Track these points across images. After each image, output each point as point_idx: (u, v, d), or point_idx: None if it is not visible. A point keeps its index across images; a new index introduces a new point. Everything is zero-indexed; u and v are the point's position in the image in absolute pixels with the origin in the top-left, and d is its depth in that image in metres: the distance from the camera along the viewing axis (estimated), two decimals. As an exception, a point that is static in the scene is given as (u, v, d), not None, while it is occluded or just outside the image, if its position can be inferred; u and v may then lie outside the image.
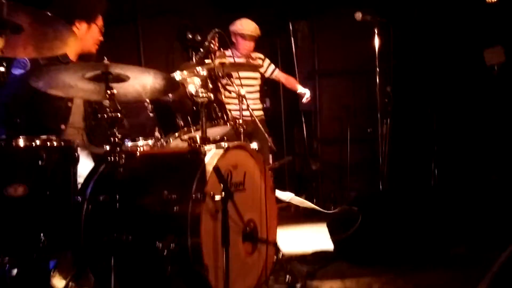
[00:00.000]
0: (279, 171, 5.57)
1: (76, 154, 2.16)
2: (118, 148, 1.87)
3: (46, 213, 2.02)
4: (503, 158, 4.44)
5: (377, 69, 3.96)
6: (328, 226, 3.14)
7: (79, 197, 2.12)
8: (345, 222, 3.05)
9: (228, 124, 2.45)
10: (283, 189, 4.73)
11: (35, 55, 2.28)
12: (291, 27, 5.87)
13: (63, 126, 2.61)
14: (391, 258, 2.88)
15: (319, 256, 3.07)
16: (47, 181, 2.06)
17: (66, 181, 2.15)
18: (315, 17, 5.83)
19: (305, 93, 4.37)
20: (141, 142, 2.38)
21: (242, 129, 2.61)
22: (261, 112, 4.39)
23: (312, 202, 5.05)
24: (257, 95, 4.34)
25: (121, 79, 2.09)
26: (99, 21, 2.70)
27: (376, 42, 3.93)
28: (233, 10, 5.67)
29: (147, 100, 2.43)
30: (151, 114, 2.43)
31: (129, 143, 2.40)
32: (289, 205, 4.44)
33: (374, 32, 3.90)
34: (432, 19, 4.84)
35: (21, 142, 1.97)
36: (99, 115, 1.85)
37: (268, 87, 5.84)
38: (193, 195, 1.87)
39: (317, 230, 3.60)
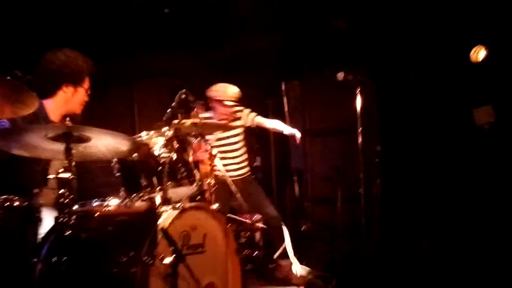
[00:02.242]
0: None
1: (38, 214, 2.14)
2: (66, 209, 1.84)
3: (1, 274, 1.98)
4: (498, 221, 4.31)
5: (359, 129, 3.96)
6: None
7: (34, 258, 2.08)
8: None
9: (194, 184, 2.43)
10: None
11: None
12: (283, 87, 5.99)
13: (37, 190, 2.60)
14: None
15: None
16: (4, 242, 2.04)
17: (24, 241, 2.12)
18: (306, 77, 5.95)
19: (294, 133, 4.17)
20: (106, 202, 2.37)
21: (211, 189, 2.60)
22: (246, 170, 4.22)
23: (302, 263, 4.94)
24: (241, 152, 4.16)
25: (82, 139, 2.11)
26: (86, 83, 2.75)
27: (358, 101, 3.96)
28: (227, 72, 5.83)
29: (114, 160, 2.44)
30: (117, 174, 2.43)
31: (95, 203, 2.40)
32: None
33: (356, 92, 3.94)
34: (420, 78, 4.90)
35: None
36: (48, 177, 1.83)
37: (259, 145, 5.88)
38: (143, 258, 1.83)
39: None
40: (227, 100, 3.95)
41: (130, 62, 5.64)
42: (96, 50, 4.88)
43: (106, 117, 5.72)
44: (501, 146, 4.42)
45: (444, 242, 4.47)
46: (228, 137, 4.07)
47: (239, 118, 4.16)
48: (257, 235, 4.72)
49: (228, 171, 3.85)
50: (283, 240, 3.85)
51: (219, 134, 3.97)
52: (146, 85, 5.83)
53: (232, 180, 3.73)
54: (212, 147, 3.86)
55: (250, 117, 4.20)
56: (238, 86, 4.28)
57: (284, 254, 3.88)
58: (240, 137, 4.15)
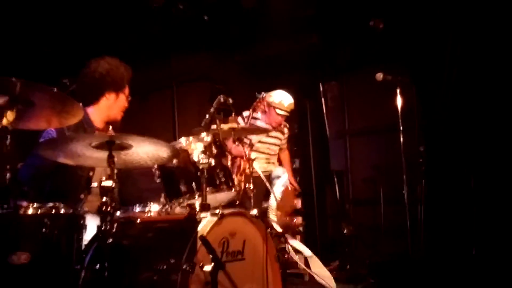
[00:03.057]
0: (310, 235, 5.41)
1: (82, 221, 2.20)
2: (109, 217, 1.88)
3: (47, 281, 2.04)
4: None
5: (400, 128, 3.86)
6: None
7: (78, 265, 2.14)
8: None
9: (233, 189, 2.43)
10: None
11: (45, 127, 2.40)
12: (321, 88, 5.91)
13: (82, 196, 2.67)
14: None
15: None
16: (50, 249, 2.09)
17: (69, 248, 2.17)
18: (345, 77, 5.86)
19: (280, 177, 4.12)
20: (148, 207, 2.40)
21: (251, 194, 2.59)
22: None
23: (346, 269, 4.84)
24: (272, 160, 4.38)
25: (124, 147, 2.15)
26: (126, 90, 2.82)
27: (399, 101, 3.86)
28: (265, 74, 5.83)
29: (155, 166, 2.47)
30: (157, 180, 2.45)
31: (137, 209, 2.44)
32: (303, 272, 4.23)
33: (396, 92, 3.84)
34: (462, 77, 4.73)
35: (27, 210, 2.02)
36: (92, 184, 1.87)
37: (298, 147, 5.83)
38: (183, 266, 1.83)
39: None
40: (281, 110, 4.09)
41: (170, 67, 5.73)
42: (137, 56, 5.02)
43: (148, 123, 5.83)
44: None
45: (493, 246, 4.30)
46: (269, 144, 4.21)
47: (281, 132, 4.33)
48: (298, 237, 4.68)
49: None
50: None
51: (263, 138, 4.10)
52: (186, 89, 5.90)
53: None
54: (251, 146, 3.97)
55: (284, 142, 4.45)
56: (276, 88, 4.27)
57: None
58: (277, 149, 4.35)
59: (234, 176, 2.49)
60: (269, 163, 4.29)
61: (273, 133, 4.29)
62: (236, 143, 2.74)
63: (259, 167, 3.91)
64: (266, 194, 3.96)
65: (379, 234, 5.21)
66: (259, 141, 4.11)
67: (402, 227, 4.79)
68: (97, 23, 4.85)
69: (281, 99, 4.10)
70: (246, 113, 4.09)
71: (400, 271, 4.15)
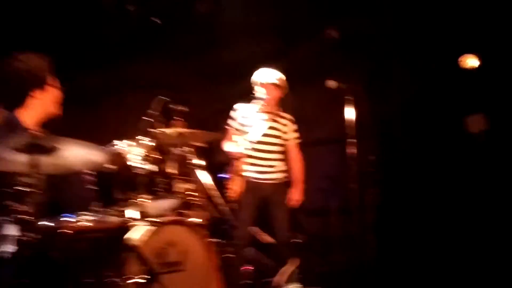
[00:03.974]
0: (263, 244, 5.31)
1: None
2: (28, 226, 1.69)
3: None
4: (496, 229, 4.21)
5: (351, 138, 3.85)
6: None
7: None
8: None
9: (174, 197, 2.28)
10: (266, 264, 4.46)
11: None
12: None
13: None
14: None
15: None
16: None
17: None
18: (298, 87, 5.83)
19: (294, 198, 3.84)
20: (80, 216, 2.21)
21: (195, 202, 2.45)
22: (284, 174, 3.87)
23: (299, 277, 4.77)
24: (280, 156, 3.83)
25: (49, 150, 1.97)
26: (51, 80, 2.58)
27: (351, 110, 3.85)
28: (218, 81, 5.72)
29: (88, 172, 2.29)
30: (90, 187, 2.27)
31: (67, 218, 2.24)
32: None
33: (348, 101, 3.83)
34: (412, 87, 4.82)
35: None
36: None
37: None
38: (112, 278, 1.67)
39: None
40: (272, 78, 3.72)
41: (121, 73, 5.51)
42: (86, 61, 4.80)
43: (97, 130, 5.57)
44: (494, 154, 4.35)
45: (440, 251, 4.37)
46: (270, 136, 3.75)
47: (284, 124, 3.84)
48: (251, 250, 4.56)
49: (259, 172, 3.70)
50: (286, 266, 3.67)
51: (268, 129, 3.74)
52: (138, 96, 5.68)
53: (261, 184, 3.65)
54: (257, 142, 3.70)
55: (289, 135, 3.88)
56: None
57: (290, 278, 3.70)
58: (282, 141, 3.82)
59: (178, 183, 2.34)
60: (271, 167, 3.76)
61: (275, 123, 3.80)
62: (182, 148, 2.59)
63: (256, 173, 3.69)
64: None
65: (330, 244, 5.19)
66: (264, 135, 3.74)
67: (352, 236, 4.80)
68: (43, 26, 4.60)
69: (262, 72, 3.81)
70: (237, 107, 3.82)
71: (349, 280, 4.13)
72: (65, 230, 1.99)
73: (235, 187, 3.75)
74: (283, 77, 3.83)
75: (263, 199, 3.71)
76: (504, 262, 3.82)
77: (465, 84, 4.47)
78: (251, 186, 3.70)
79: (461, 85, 4.49)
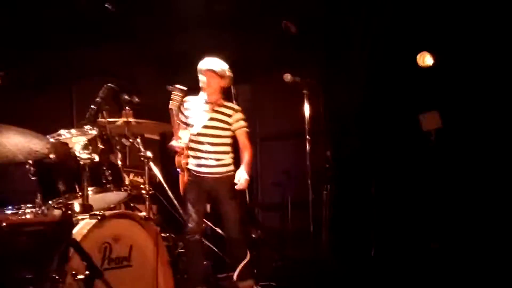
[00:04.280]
0: (220, 238, 5.25)
1: None
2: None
3: None
4: (443, 225, 4.32)
5: (307, 133, 3.83)
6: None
7: None
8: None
9: (122, 189, 2.18)
10: (222, 258, 4.40)
11: None
12: (233, 91, 5.79)
13: None
14: None
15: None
16: None
17: None
18: (257, 81, 5.79)
19: (240, 177, 3.53)
20: (21, 210, 2.08)
21: (147, 195, 2.37)
22: (228, 168, 3.63)
23: (253, 272, 4.75)
24: (224, 148, 3.62)
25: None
26: None
27: (306, 106, 3.83)
28: (174, 71, 5.58)
29: (29, 162, 2.15)
30: (32, 178, 2.14)
31: (7, 211, 2.11)
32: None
33: (304, 94, 3.81)
34: (367, 83, 4.86)
35: None
36: None
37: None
38: (51, 274, 1.57)
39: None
40: (207, 64, 3.53)
41: (68, 59, 5.28)
42: (33, 46, 4.56)
43: (43, 119, 5.32)
44: (447, 152, 4.45)
45: (394, 246, 4.44)
46: (214, 128, 3.56)
47: (228, 115, 3.61)
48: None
49: (200, 165, 3.52)
50: (240, 259, 3.57)
51: (208, 121, 3.54)
52: (86, 84, 5.46)
53: (203, 177, 3.46)
54: (197, 134, 3.51)
55: (236, 124, 3.64)
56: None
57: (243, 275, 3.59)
58: (229, 133, 3.62)
59: (125, 175, 2.24)
60: (215, 161, 3.55)
61: (216, 114, 3.59)
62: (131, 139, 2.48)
63: (201, 167, 3.48)
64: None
65: (286, 238, 5.19)
66: (204, 126, 3.54)
67: (308, 231, 4.81)
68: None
69: (213, 60, 3.62)
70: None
71: (303, 274, 4.13)
72: (3, 223, 1.86)
73: (181, 181, 3.66)
74: (225, 66, 3.64)
75: (209, 193, 3.57)
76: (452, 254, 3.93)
77: (421, 82, 4.54)
78: (195, 180, 3.54)
79: (416, 82, 4.56)
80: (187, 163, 3.60)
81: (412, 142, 4.63)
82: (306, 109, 3.81)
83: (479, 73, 4.25)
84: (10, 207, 2.18)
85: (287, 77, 3.77)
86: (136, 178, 2.99)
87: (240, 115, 3.67)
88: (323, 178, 4.40)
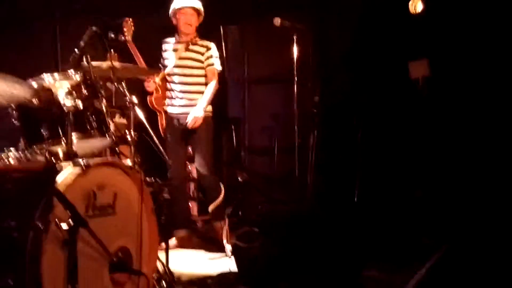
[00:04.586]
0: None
1: None
2: None
3: None
4: (427, 174, 4.39)
5: (295, 78, 3.80)
6: (232, 248, 2.93)
7: None
8: (249, 243, 2.83)
9: (107, 135, 2.16)
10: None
11: None
12: (222, 32, 5.63)
13: None
14: (296, 281, 2.69)
15: (221, 280, 2.83)
16: None
17: None
18: (246, 23, 5.62)
19: (194, 115, 3.47)
20: (4, 153, 2.06)
21: (132, 142, 2.35)
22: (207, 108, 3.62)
23: (238, 215, 4.85)
24: (197, 88, 3.58)
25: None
26: None
27: (295, 50, 3.78)
28: (161, 11, 5.39)
29: (12, 106, 2.11)
30: (15, 122, 2.10)
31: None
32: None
33: (293, 39, 3.75)
34: (358, 30, 4.76)
35: None
36: None
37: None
38: (35, 223, 1.58)
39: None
40: (179, 7, 3.45)
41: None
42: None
43: (25, 55, 5.15)
44: (435, 101, 4.45)
45: (376, 193, 4.54)
46: (189, 67, 3.52)
47: (201, 53, 3.53)
48: (191, 186, 4.55)
49: (173, 106, 3.55)
50: (214, 200, 3.62)
51: (179, 60, 3.50)
52: (71, 21, 5.26)
53: (178, 118, 3.50)
54: (168, 74, 3.52)
55: (208, 61, 3.57)
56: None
57: (217, 215, 3.66)
58: (198, 72, 3.56)
59: (109, 121, 2.20)
60: (189, 100, 3.52)
61: (189, 53, 3.52)
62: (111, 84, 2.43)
63: (174, 107, 3.51)
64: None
65: (272, 182, 5.26)
66: (175, 66, 3.51)
67: (294, 175, 4.89)
68: None
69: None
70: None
71: (286, 217, 4.24)
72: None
73: (160, 124, 3.67)
74: (196, 2, 3.53)
75: (187, 134, 3.56)
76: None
77: (412, 29, 4.46)
78: (171, 122, 3.58)
79: (407, 29, 4.48)
80: (160, 104, 3.61)
81: (400, 89, 4.62)
82: (295, 54, 3.77)
83: (470, 22, 4.18)
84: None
85: (277, 21, 3.70)
86: (121, 120, 2.96)
87: (212, 52, 3.60)
88: (311, 123, 4.42)
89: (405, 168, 4.50)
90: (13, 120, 2.12)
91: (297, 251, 2.77)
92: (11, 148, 2.11)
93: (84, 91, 2.11)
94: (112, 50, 2.47)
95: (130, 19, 3.55)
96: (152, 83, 3.52)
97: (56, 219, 1.61)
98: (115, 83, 2.49)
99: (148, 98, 3.70)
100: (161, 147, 2.81)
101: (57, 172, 1.73)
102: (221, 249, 3.35)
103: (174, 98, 3.56)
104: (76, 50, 2.21)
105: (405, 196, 4.34)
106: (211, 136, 3.74)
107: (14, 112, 2.11)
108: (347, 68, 4.88)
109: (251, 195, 5.43)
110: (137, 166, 2.21)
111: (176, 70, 3.53)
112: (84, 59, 2.17)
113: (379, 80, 4.67)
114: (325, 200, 4.67)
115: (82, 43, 2.21)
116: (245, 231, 2.97)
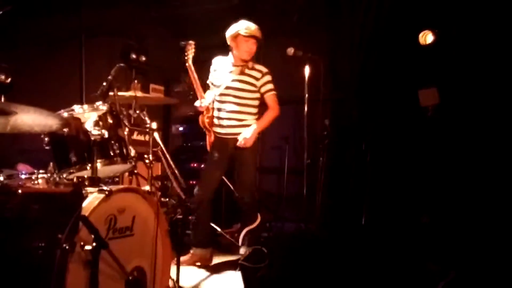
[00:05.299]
0: (216, 200, 5.47)
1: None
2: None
3: None
4: (434, 200, 4.47)
5: (306, 101, 3.97)
6: (240, 266, 3.06)
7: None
8: (257, 262, 2.97)
9: (128, 162, 2.36)
10: (219, 218, 4.59)
11: None
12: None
13: None
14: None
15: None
16: None
17: None
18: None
19: (245, 136, 3.55)
20: (34, 175, 2.27)
21: (150, 164, 2.54)
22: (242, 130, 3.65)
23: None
24: (248, 109, 3.62)
25: (7, 113, 1.99)
26: None
27: (306, 74, 3.96)
28: (183, 34, 5.62)
29: (44, 133, 2.33)
30: (46, 147, 2.32)
31: (23, 176, 2.30)
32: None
33: (305, 67, 3.93)
34: (369, 58, 4.91)
35: None
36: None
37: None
38: (62, 244, 1.77)
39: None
40: (248, 30, 3.48)
41: (79, 17, 5.31)
42: (43, 3, 4.59)
43: (53, 75, 5.42)
44: (444, 128, 4.55)
45: (384, 217, 4.63)
46: (240, 90, 3.55)
47: (256, 78, 3.59)
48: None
49: (222, 126, 3.57)
50: (248, 224, 3.68)
51: (232, 82, 3.51)
52: (96, 43, 5.53)
53: (226, 140, 3.55)
54: (221, 95, 3.54)
55: (264, 88, 3.63)
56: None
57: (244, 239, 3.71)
58: (255, 95, 3.60)
59: (130, 148, 2.41)
60: (238, 121, 3.55)
61: (243, 76, 3.54)
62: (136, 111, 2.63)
63: (223, 128, 3.55)
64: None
65: (281, 201, 5.39)
66: (227, 87, 3.53)
67: (302, 196, 5.01)
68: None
69: (240, 24, 3.56)
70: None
71: (295, 239, 4.32)
72: (18, 190, 2.05)
73: (208, 141, 3.71)
74: (254, 27, 3.56)
75: (232, 158, 3.59)
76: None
77: (421, 58, 4.59)
78: (218, 143, 3.61)
79: (417, 58, 4.61)
80: (210, 123, 3.66)
81: (409, 115, 4.73)
82: (306, 78, 3.95)
83: (479, 52, 4.30)
84: (24, 172, 2.37)
85: (291, 51, 3.88)
86: (139, 137, 3.15)
87: (267, 78, 3.67)
88: (320, 145, 4.56)
89: (412, 193, 4.59)
90: (44, 145, 2.35)
91: (303, 273, 2.89)
92: (41, 171, 2.33)
93: (110, 121, 2.31)
94: (134, 71, 2.66)
95: (193, 42, 3.56)
96: (204, 103, 3.54)
97: (81, 241, 1.79)
98: (137, 111, 2.68)
99: (200, 118, 3.71)
100: (176, 171, 2.98)
101: (83, 197, 1.92)
102: (233, 267, 3.43)
103: (223, 119, 3.58)
104: (104, 83, 2.41)
105: (411, 221, 4.42)
106: (255, 161, 3.79)
107: (45, 138, 2.33)
108: (357, 93, 5.02)
109: (261, 212, 5.57)
110: (153, 188, 2.39)
111: (229, 91, 3.56)
112: (111, 92, 2.37)
113: (389, 106, 4.80)
114: (332, 222, 4.78)
115: (110, 77, 2.41)
116: (253, 249, 3.09)
